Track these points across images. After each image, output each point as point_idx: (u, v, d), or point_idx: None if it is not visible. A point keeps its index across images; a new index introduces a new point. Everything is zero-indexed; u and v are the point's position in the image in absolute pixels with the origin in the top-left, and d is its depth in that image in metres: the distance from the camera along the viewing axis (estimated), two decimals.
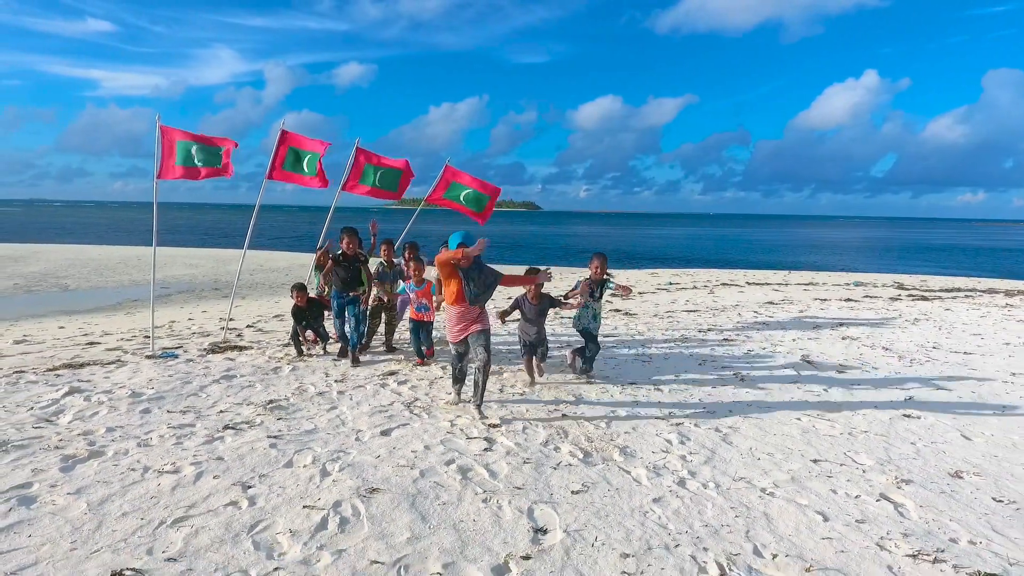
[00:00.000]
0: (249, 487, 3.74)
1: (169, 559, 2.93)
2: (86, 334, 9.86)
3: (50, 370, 6.73)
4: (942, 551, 3.16)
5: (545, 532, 3.28)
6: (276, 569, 2.87)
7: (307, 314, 7.67)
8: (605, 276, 6.48)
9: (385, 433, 4.78)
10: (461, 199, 9.69)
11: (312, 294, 8.05)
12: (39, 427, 4.78)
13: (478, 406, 5.26)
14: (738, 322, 10.82)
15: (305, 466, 4.09)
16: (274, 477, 3.90)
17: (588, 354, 6.52)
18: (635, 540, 3.20)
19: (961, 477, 4.14)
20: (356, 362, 7.13)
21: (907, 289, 18.01)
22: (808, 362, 7.64)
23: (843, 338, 9.37)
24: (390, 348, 7.92)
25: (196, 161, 7.87)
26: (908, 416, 5.48)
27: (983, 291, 17.85)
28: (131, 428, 4.79)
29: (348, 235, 7.28)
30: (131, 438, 4.57)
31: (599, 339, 6.70)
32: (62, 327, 11.05)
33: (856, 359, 7.88)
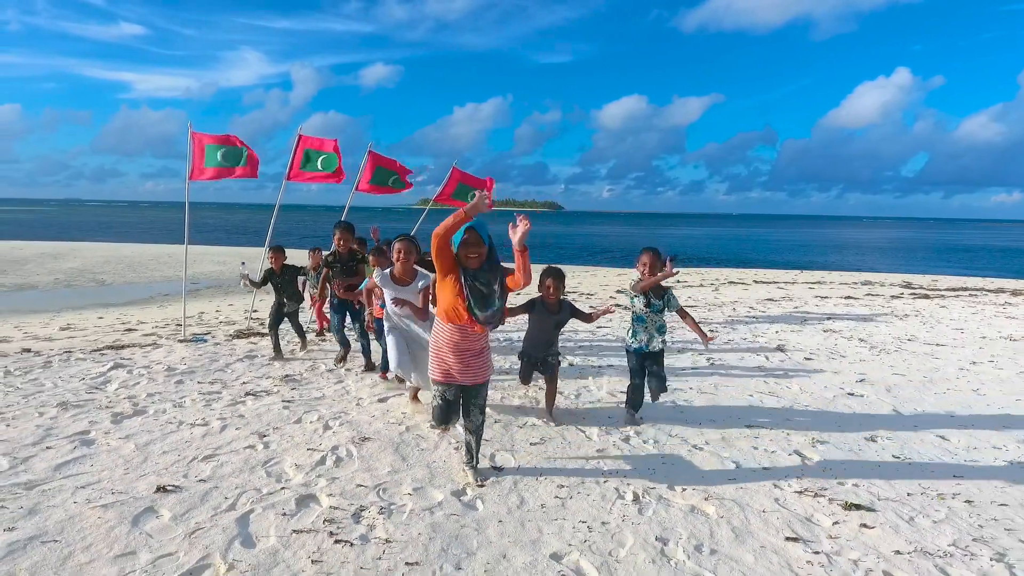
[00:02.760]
0: (264, 436, 4.55)
1: (200, 480, 3.75)
2: (124, 322, 10.81)
3: (95, 351, 7.63)
4: (825, 489, 3.83)
5: (501, 470, 4.02)
6: (282, 488, 3.66)
7: (279, 280, 7.33)
8: (667, 287, 4.91)
9: (382, 400, 5.56)
10: (468, 199, 10.49)
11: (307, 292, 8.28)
12: (91, 393, 5.63)
13: (473, 467, 3.90)
14: (730, 316, 11.39)
15: (311, 422, 4.88)
16: (285, 430, 4.71)
17: (651, 386, 4.94)
18: (572, 477, 3.92)
19: (875, 440, 4.77)
20: (372, 367, 6.58)
21: (913, 288, 18.24)
22: (781, 350, 8.24)
23: (825, 330, 9.91)
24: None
25: (224, 162, 8.72)
26: (851, 394, 6.09)
27: (991, 290, 18.00)
28: (168, 394, 5.63)
29: (340, 231, 6.59)
30: (168, 401, 5.40)
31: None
32: (101, 317, 12.02)
33: (829, 348, 8.45)
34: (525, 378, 5.14)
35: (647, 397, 5.05)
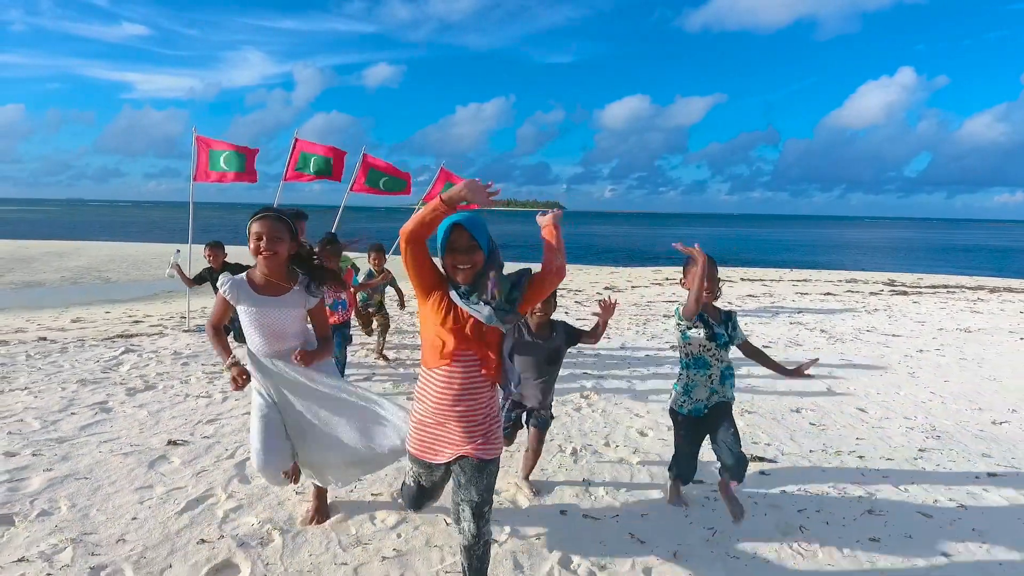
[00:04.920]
0: None
1: (205, 437, 4.41)
2: (130, 316, 11.45)
3: (106, 339, 8.28)
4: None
5: None
6: None
7: (216, 280, 6.63)
8: (728, 311, 3.52)
9: (367, 379, 6.22)
10: None
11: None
12: (106, 373, 6.28)
13: None
14: None
15: None
16: None
17: (724, 461, 3.34)
18: (524, 438, 4.54)
19: (799, 412, 5.40)
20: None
21: (895, 286, 18.76)
22: None
23: (792, 323, 10.52)
24: (382, 355, 7.04)
25: (226, 166, 9.36)
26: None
27: (970, 287, 18.49)
28: (175, 373, 6.29)
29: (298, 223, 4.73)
30: (175, 379, 6.06)
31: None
32: (108, 311, 12.66)
33: (790, 338, 9.07)
34: (511, 428, 3.72)
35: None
